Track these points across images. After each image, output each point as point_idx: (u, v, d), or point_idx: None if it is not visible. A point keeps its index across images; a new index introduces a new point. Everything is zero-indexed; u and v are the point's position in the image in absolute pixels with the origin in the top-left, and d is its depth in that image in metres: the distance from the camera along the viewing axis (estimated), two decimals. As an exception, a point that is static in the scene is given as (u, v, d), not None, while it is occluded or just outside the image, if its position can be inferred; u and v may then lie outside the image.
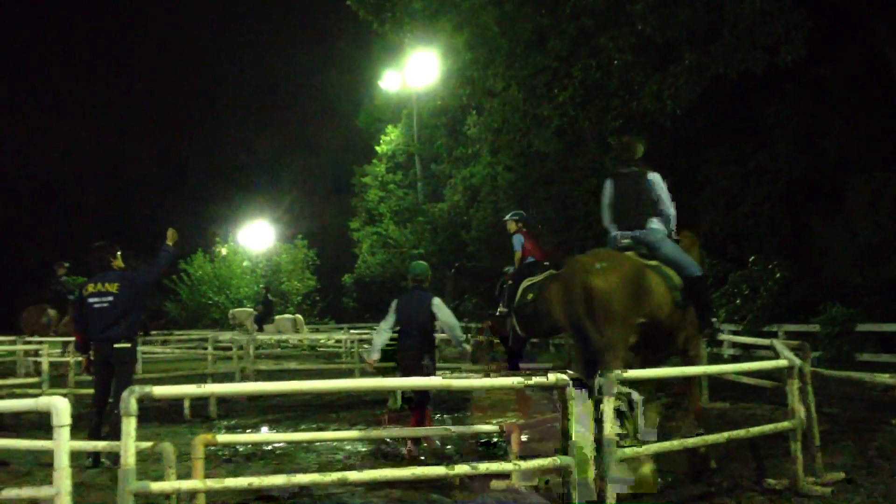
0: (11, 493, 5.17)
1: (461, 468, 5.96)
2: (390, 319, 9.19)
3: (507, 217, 13.85)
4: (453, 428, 8.98)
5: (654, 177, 7.92)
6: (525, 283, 12.45)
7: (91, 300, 8.66)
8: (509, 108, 20.26)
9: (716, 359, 15.55)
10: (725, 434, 6.80)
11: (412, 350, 8.96)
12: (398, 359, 9.22)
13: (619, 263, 7.15)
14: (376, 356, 9.32)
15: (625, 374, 6.19)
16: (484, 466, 5.89)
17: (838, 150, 18.79)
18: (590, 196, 24.42)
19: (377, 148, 40.87)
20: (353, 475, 5.74)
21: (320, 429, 11.05)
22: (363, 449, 9.18)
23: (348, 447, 9.25)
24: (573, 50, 18.86)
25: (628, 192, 7.95)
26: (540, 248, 13.39)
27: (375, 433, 8.55)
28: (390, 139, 40.26)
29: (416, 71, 31.58)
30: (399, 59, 32.52)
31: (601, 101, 19.23)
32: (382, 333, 9.29)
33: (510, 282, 12.97)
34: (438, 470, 6.06)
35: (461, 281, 13.62)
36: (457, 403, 12.75)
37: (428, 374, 8.68)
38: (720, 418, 10.22)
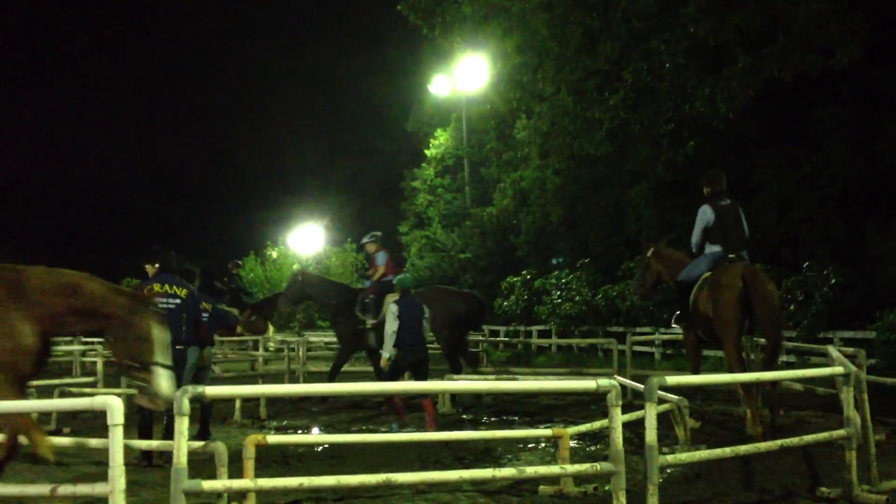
0: (67, 490, 5.28)
1: (508, 471, 5.95)
2: (397, 323, 10.59)
3: (365, 240, 14.79)
4: (501, 433, 8.97)
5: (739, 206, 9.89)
6: (390, 299, 13.21)
7: (157, 299, 8.80)
8: (559, 112, 20.17)
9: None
10: (779, 441, 6.70)
11: (421, 345, 10.85)
12: (407, 353, 10.60)
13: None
14: (387, 355, 10.76)
15: (669, 381, 6.14)
16: (531, 470, 5.87)
17: (895, 154, 18.41)
18: (639, 200, 24.26)
19: (426, 152, 40.92)
20: (399, 477, 5.76)
21: (370, 431, 11.11)
22: (412, 452, 9.19)
23: (396, 449, 9.27)
24: (624, 53, 18.73)
25: (730, 218, 9.67)
26: (394, 266, 14.46)
27: (424, 436, 8.57)
28: (439, 143, 40.29)
29: (465, 75, 31.56)
30: (448, 63, 32.51)
31: (653, 105, 19.06)
32: (393, 336, 10.67)
33: (371, 296, 13.86)
34: (485, 473, 6.06)
35: (306, 289, 14.36)
36: (503, 406, 12.75)
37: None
38: (773, 425, 10.07)
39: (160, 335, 6.34)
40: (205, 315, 9.78)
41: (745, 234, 9.75)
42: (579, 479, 6.98)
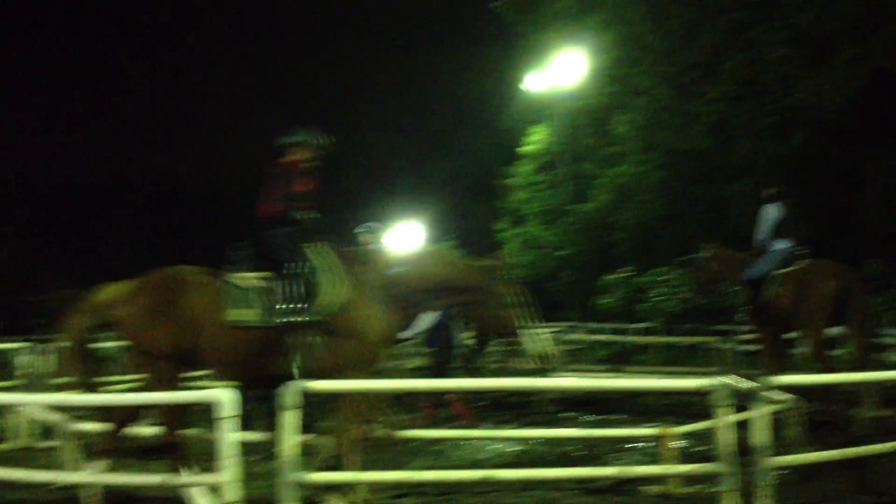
0: (188, 478, 5.48)
1: (610, 470, 5.90)
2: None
3: (360, 229, 14.86)
4: (604, 431, 8.91)
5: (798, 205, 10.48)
6: None
7: None
8: (658, 106, 19.89)
9: (882, 365, 14.75)
10: (893, 444, 6.48)
11: (448, 344, 10.67)
12: (438, 352, 10.67)
13: None
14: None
15: (781, 380, 6.00)
16: (640, 469, 5.82)
17: None
18: (742, 196, 23.65)
19: (522, 149, 40.71)
20: (501, 473, 5.79)
21: (470, 427, 11.12)
22: (512, 448, 9.19)
23: (497, 446, 9.27)
24: (724, 45, 18.36)
25: (793, 216, 10.17)
26: None
27: (524, 433, 8.57)
28: (535, 139, 40.04)
29: (560, 70, 31.24)
30: (543, 59, 32.26)
31: (755, 97, 18.63)
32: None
33: None
34: (587, 471, 6.03)
35: None
36: (604, 405, 12.61)
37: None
38: (889, 428, 9.72)
39: (517, 301, 6.74)
40: None
41: (809, 230, 10.24)
42: (685, 478, 6.86)
